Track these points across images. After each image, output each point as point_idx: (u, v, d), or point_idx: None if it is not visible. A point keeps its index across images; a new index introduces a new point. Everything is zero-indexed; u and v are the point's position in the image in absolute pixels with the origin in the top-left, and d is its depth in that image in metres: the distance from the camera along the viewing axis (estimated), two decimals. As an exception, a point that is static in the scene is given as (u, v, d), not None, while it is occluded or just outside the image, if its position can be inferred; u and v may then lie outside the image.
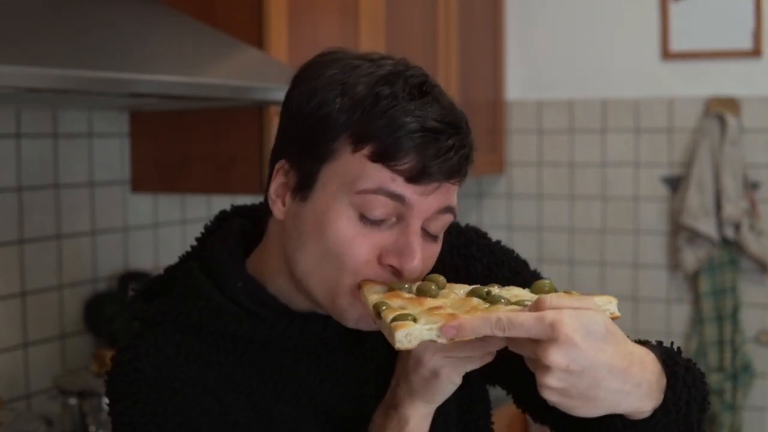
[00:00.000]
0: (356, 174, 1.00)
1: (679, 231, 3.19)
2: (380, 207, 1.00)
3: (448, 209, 1.06)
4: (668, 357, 1.03)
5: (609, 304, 0.96)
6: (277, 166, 1.07)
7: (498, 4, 3.41)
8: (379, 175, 1.00)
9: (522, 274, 1.21)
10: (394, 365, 1.09)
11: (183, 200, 2.56)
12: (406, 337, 0.92)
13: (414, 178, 1.00)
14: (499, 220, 3.54)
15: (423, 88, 1.02)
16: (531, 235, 3.48)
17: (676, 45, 3.23)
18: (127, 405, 1.04)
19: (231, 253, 1.12)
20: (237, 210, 1.22)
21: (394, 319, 0.93)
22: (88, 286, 2.28)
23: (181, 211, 2.56)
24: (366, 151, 1.00)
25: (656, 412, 0.97)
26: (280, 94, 1.96)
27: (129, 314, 1.14)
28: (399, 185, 1.00)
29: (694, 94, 3.22)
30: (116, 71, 1.65)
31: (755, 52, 3.14)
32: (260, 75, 1.97)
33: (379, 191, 1.00)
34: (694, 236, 3.14)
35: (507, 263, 1.23)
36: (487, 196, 3.56)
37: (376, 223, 1.01)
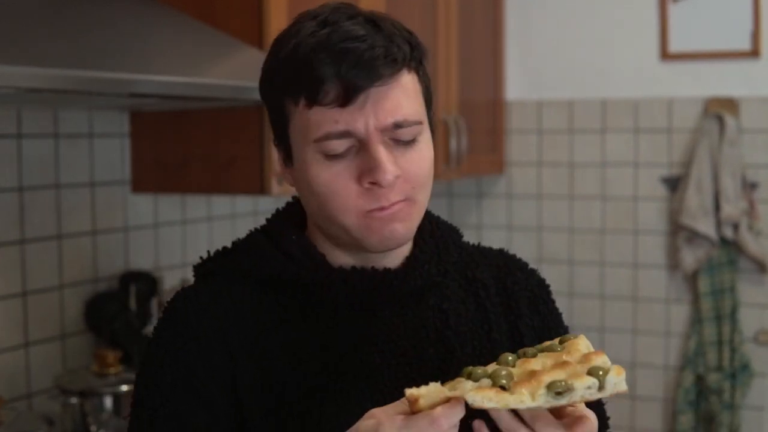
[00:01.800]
0: (305, 126, 1.10)
1: (678, 231, 3.19)
2: (336, 147, 1.09)
3: (398, 124, 1.09)
4: None
5: (618, 378, 0.97)
6: (274, 144, 1.19)
7: (498, 4, 3.41)
8: (319, 117, 1.08)
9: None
10: (455, 323, 1.16)
11: (183, 200, 2.56)
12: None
13: (344, 100, 1.07)
14: (498, 220, 3.54)
15: (326, 22, 1.10)
16: (531, 235, 3.48)
17: (675, 46, 3.24)
18: (153, 338, 1.17)
19: (288, 216, 1.23)
20: None
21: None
22: (89, 286, 2.29)
23: (182, 211, 2.56)
24: (302, 101, 1.09)
25: None
26: (280, 95, 1.98)
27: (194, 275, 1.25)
28: (337, 117, 1.08)
29: (693, 94, 3.23)
30: (116, 71, 1.65)
31: (754, 53, 3.14)
32: (259, 75, 1.97)
33: (328, 137, 1.08)
34: (693, 236, 3.15)
35: (555, 330, 1.28)
36: (487, 196, 3.56)
37: (342, 156, 1.09)
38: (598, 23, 3.36)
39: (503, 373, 0.96)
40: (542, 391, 0.95)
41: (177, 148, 2.33)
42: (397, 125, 1.09)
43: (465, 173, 3.12)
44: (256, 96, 1.90)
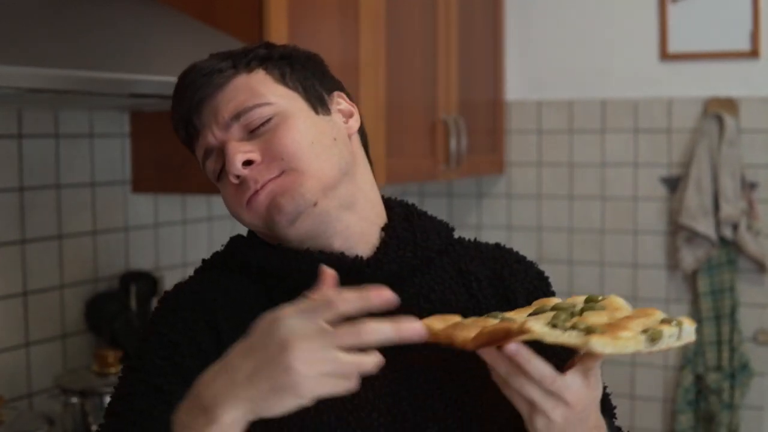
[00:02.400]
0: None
1: (677, 231, 3.20)
2: (210, 167, 1.22)
3: (236, 116, 1.18)
4: None
5: (691, 328, 0.98)
6: None
7: (498, 5, 3.41)
8: (196, 151, 1.24)
9: None
10: (441, 313, 1.16)
11: (183, 200, 2.57)
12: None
13: (190, 132, 1.22)
14: (498, 220, 3.55)
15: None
16: (530, 235, 3.49)
17: (675, 46, 3.24)
18: (146, 324, 1.22)
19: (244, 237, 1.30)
20: None
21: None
22: (89, 286, 2.29)
23: (182, 212, 2.57)
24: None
25: None
26: (280, 95, 1.97)
27: None
28: (200, 146, 1.22)
29: (692, 94, 3.23)
30: (117, 72, 1.65)
31: (753, 53, 3.15)
32: (260, 75, 1.97)
33: (202, 162, 1.23)
34: (693, 236, 3.15)
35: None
36: (487, 196, 3.57)
37: (221, 172, 1.20)
38: (598, 23, 3.36)
39: (588, 321, 0.96)
40: (641, 337, 0.94)
41: (177, 148, 2.30)
42: (236, 116, 1.18)
43: (465, 173, 3.12)
44: (256, 96, 1.93)
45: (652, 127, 3.30)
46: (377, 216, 1.23)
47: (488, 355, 1.00)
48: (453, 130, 2.95)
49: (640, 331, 0.95)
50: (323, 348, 0.89)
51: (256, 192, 1.16)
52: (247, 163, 1.16)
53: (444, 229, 1.27)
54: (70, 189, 2.23)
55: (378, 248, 1.20)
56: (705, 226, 3.11)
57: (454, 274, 1.23)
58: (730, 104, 3.16)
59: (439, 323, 1.02)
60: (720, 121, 3.12)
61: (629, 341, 0.93)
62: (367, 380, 1.09)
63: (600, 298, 1.04)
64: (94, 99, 1.89)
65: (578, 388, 1.00)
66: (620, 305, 1.02)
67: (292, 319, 0.91)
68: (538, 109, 3.47)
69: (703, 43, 3.20)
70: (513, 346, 0.97)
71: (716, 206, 3.12)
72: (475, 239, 1.32)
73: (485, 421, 1.14)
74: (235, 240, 1.27)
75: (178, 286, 1.24)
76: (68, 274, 2.23)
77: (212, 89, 1.19)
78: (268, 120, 1.17)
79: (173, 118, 1.24)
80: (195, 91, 1.20)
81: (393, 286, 1.16)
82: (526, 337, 0.94)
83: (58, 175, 2.20)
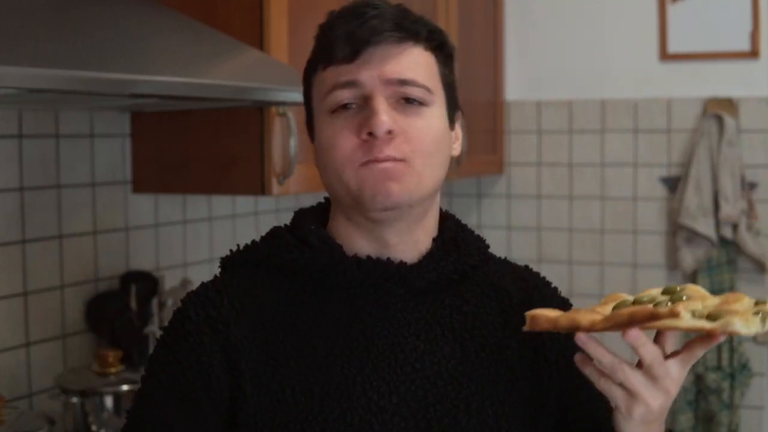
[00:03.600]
0: (320, 87, 1.18)
1: (677, 231, 3.20)
2: (340, 97, 1.15)
3: (403, 81, 1.14)
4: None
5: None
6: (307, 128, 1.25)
7: (498, 5, 3.42)
8: (331, 75, 1.15)
9: None
10: (473, 326, 1.18)
11: (184, 200, 2.57)
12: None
13: (350, 55, 1.13)
14: (498, 220, 3.55)
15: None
16: (530, 235, 3.49)
17: (675, 46, 3.24)
18: (161, 337, 1.19)
19: (312, 212, 1.27)
20: None
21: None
22: (90, 286, 2.29)
23: (182, 212, 2.57)
24: (320, 67, 1.18)
25: None
26: (281, 95, 1.99)
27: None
28: (344, 71, 1.14)
29: (692, 94, 3.24)
30: (117, 72, 1.65)
31: (753, 54, 3.15)
32: (261, 75, 1.97)
33: (334, 88, 1.15)
34: (693, 236, 3.15)
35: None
36: (487, 196, 3.57)
37: (345, 110, 1.15)
38: (598, 24, 3.36)
39: (705, 305, 1.00)
40: (756, 318, 0.97)
41: (178, 149, 2.34)
42: (403, 82, 1.14)
43: (465, 173, 3.13)
44: (257, 96, 1.93)
45: (652, 128, 3.30)
46: (434, 228, 1.24)
47: (594, 349, 1.04)
48: (453, 130, 2.95)
49: (752, 313, 0.98)
50: None
51: (376, 160, 1.13)
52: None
53: (482, 244, 1.28)
54: (70, 189, 2.23)
55: (424, 257, 1.20)
56: (705, 226, 3.11)
57: (487, 289, 1.24)
58: (730, 104, 3.16)
59: (550, 312, 1.05)
60: (719, 121, 3.13)
61: (754, 322, 0.97)
62: (392, 385, 1.12)
63: (678, 288, 1.08)
64: (95, 99, 1.90)
65: (678, 376, 1.05)
66: (702, 293, 1.05)
67: None
68: (538, 109, 3.47)
69: (703, 44, 3.20)
70: (635, 332, 1.00)
71: (716, 206, 3.12)
72: (506, 258, 1.34)
73: (508, 429, 1.16)
74: (278, 233, 1.23)
75: (189, 298, 1.20)
76: (68, 274, 2.23)
77: (400, 37, 1.15)
78: (420, 105, 1.16)
79: (336, 17, 1.17)
80: (383, 20, 1.14)
81: (430, 296, 1.18)
82: (673, 321, 0.97)
83: (59, 175, 2.20)
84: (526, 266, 1.33)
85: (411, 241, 1.19)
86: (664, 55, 3.26)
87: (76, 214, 2.25)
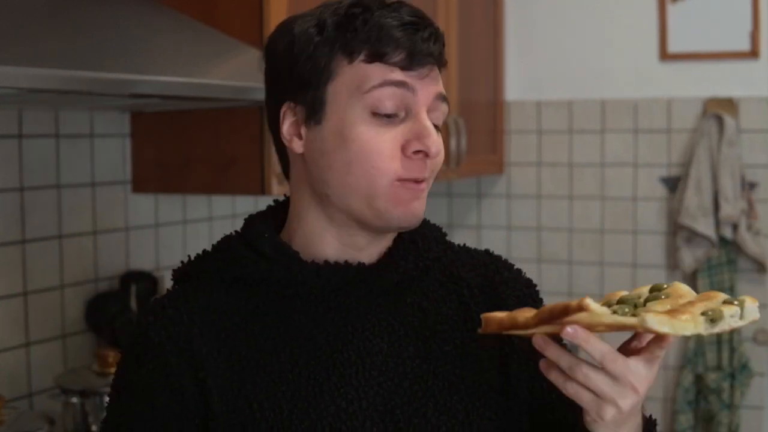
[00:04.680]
0: (360, 78, 1.10)
1: (677, 231, 3.20)
2: (389, 99, 1.10)
3: (443, 97, 1.14)
4: (648, 420, 1.13)
5: (754, 305, 0.98)
6: (283, 109, 1.16)
7: (498, 5, 3.42)
8: (378, 71, 1.10)
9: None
10: (434, 322, 1.16)
11: (184, 200, 2.57)
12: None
13: (408, 65, 1.10)
14: (498, 220, 3.55)
15: (387, 1, 1.14)
16: (530, 235, 3.49)
17: (675, 46, 3.24)
18: (123, 361, 1.16)
19: (262, 216, 1.23)
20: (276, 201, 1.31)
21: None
22: (90, 286, 2.29)
23: (182, 212, 2.57)
24: (362, 56, 1.10)
25: None
26: (281, 95, 1.97)
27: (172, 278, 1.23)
28: (398, 74, 1.10)
29: (692, 94, 3.24)
30: (117, 72, 1.65)
31: (753, 54, 3.15)
32: (260, 75, 1.97)
33: (384, 83, 1.09)
34: (693, 236, 3.15)
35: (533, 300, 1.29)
36: (487, 196, 3.57)
37: (390, 119, 1.10)
38: (598, 24, 3.36)
39: (658, 304, 0.98)
40: (701, 319, 0.95)
41: (178, 149, 2.34)
42: (442, 97, 1.14)
43: (465, 173, 3.13)
44: (257, 96, 1.93)
45: (652, 128, 3.30)
46: None
47: (551, 350, 1.01)
48: (453, 130, 2.96)
49: (700, 314, 0.96)
50: None
51: (416, 181, 1.11)
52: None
53: (439, 234, 1.26)
54: (70, 189, 2.23)
55: (383, 256, 1.19)
56: (705, 226, 3.11)
57: (445, 281, 1.23)
58: (730, 104, 3.16)
59: (499, 314, 1.05)
60: (720, 121, 3.13)
61: (688, 322, 0.94)
62: (360, 390, 1.10)
63: (665, 286, 1.04)
64: (95, 99, 1.90)
65: (644, 374, 1.01)
66: (684, 292, 1.02)
67: None
68: (538, 109, 3.47)
69: (703, 43, 3.20)
70: (571, 328, 0.98)
71: (716, 206, 3.12)
72: (464, 244, 1.32)
73: (478, 425, 1.15)
74: (229, 244, 1.19)
75: (151, 313, 1.15)
76: (68, 274, 2.23)
77: (440, 60, 1.14)
78: (438, 126, 1.15)
79: (379, 13, 1.11)
80: (437, 42, 1.12)
81: (392, 296, 1.17)
82: (584, 315, 0.96)
83: (59, 175, 2.20)
84: (486, 250, 1.31)
85: (379, 244, 1.18)
86: (664, 55, 3.26)
87: (76, 214, 2.25)
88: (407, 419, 1.12)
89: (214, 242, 1.21)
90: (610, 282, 3.36)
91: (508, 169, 3.53)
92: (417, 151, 1.10)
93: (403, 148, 1.10)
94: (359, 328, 1.14)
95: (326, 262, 1.14)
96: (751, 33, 3.15)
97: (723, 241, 3.14)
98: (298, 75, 1.14)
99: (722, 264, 3.17)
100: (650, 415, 1.15)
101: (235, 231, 1.21)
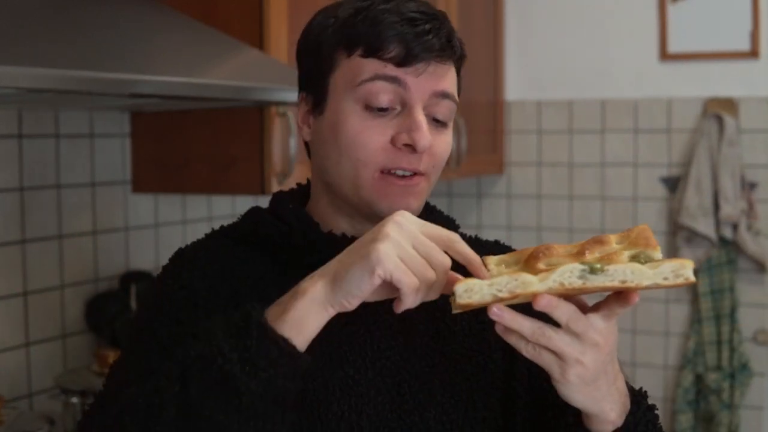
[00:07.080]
0: (354, 72, 1.14)
1: (677, 231, 3.20)
2: (381, 93, 1.12)
3: (445, 94, 1.15)
4: (636, 391, 1.14)
5: (683, 269, 0.98)
6: (299, 99, 1.23)
7: (498, 5, 3.42)
8: (372, 65, 1.13)
9: None
10: (445, 302, 1.16)
11: (184, 200, 2.57)
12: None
13: (402, 61, 1.12)
14: (498, 220, 3.55)
15: None
16: (530, 235, 3.49)
17: (675, 46, 3.24)
18: (148, 292, 1.25)
19: (290, 194, 1.28)
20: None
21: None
22: (90, 286, 2.29)
23: (182, 211, 2.57)
24: (358, 51, 1.13)
25: (617, 430, 1.08)
26: (280, 94, 1.99)
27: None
28: (391, 69, 1.12)
29: (692, 94, 3.24)
30: (117, 72, 1.65)
31: (753, 53, 3.15)
32: (260, 75, 1.98)
33: (375, 78, 1.12)
34: (693, 236, 3.15)
35: None
36: (487, 196, 3.57)
37: (382, 112, 1.13)
38: (598, 24, 3.36)
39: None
40: (555, 275, 0.97)
41: (177, 148, 2.34)
42: (444, 94, 1.15)
43: (465, 173, 3.13)
44: (257, 96, 1.93)
45: (652, 127, 3.30)
46: None
47: (511, 318, 1.00)
48: (453, 130, 2.96)
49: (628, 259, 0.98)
50: (410, 241, 0.98)
51: (403, 177, 1.14)
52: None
53: (451, 225, 1.29)
54: (70, 189, 2.23)
55: None
56: (705, 226, 3.11)
57: (456, 267, 1.24)
58: (730, 104, 3.16)
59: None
60: (720, 121, 3.13)
61: (571, 272, 0.97)
62: (368, 360, 1.14)
63: (633, 227, 1.09)
64: (95, 99, 1.90)
65: (604, 328, 1.01)
66: (644, 235, 1.05)
67: (394, 225, 0.99)
68: (538, 109, 3.47)
69: (703, 43, 3.20)
70: (544, 300, 0.98)
71: (716, 206, 3.12)
72: (476, 236, 1.34)
73: (482, 403, 1.18)
74: (256, 212, 1.25)
75: (178, 255, 1.25)
76: (68, 274, 2.23)
77: (442, 58, 1.14)
78: (446, 123, 1.18)
79: (380, 9, 1.14)
80: (438, 37, 1.13)
81: None
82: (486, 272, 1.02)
83: (58, 175, 2.20)
84: (496, 240, 1.34)
85: None
86: (664, 55, 3.26)
87: (76, 214, 2.25)
88: (413, 394, 1.15)
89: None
90: (610, 282, 3.35)
91: (508, 169, 3.53)
92: (406, 145, 1.13)
93: (393, 141, 1.13)
94: (371, 302, 1.15)
95: (344, 234, 1.19)
96: (751, 33, 3.15)
97: (723, 241, 3.15)
98: (308, 66, 1.20)
99: (722, 264, 3.17)
100: (641, 387, 1.15)
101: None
